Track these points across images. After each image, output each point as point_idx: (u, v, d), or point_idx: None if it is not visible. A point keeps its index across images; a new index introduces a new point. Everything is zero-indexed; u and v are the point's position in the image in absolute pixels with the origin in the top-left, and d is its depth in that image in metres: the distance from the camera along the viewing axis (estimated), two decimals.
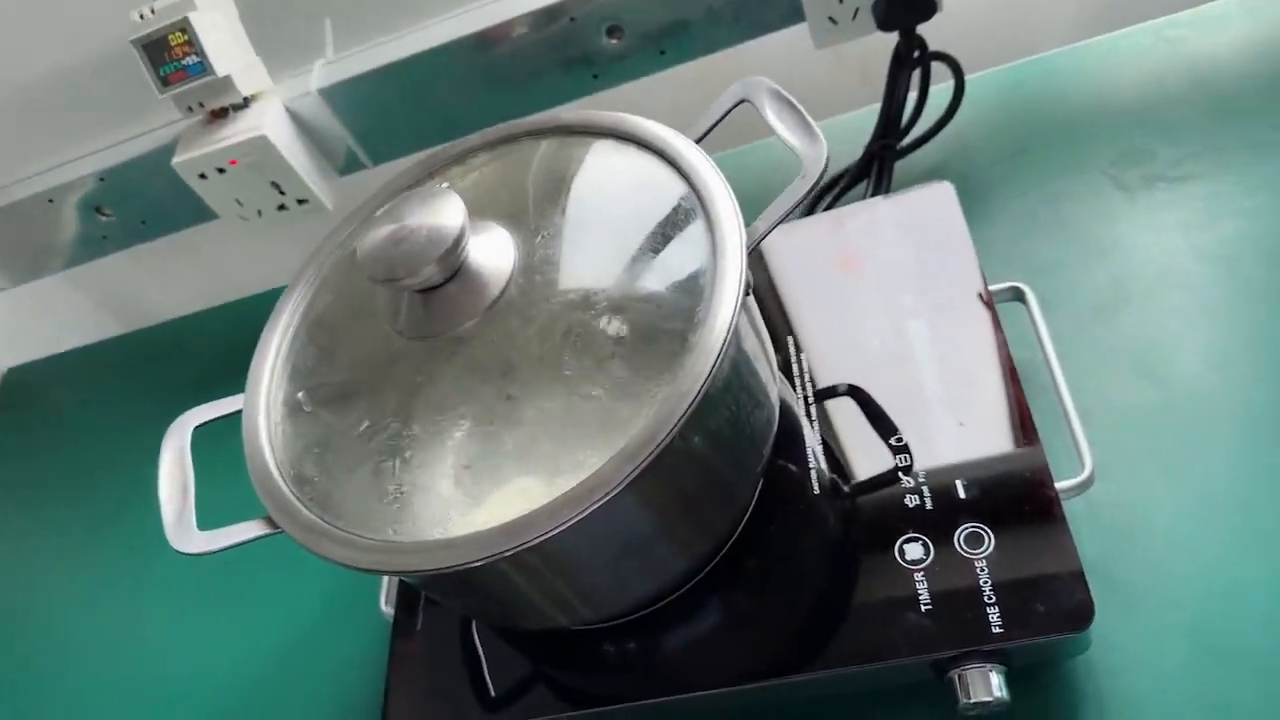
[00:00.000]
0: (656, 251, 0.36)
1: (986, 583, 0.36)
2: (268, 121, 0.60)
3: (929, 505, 0.39)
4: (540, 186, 0.40)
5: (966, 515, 0.38)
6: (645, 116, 0.40)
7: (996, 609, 0.36)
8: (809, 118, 0.37)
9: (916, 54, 0.55)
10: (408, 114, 0.64)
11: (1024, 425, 0.40)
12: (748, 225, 0.35)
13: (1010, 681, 0.36)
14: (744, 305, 0.34)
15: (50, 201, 0.70)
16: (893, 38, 0.55)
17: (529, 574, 0.35)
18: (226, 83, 0.59)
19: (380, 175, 0.50)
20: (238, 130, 0.60)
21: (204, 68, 0.57)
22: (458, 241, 0.35)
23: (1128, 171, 0.53)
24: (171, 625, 0.60)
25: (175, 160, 0.62)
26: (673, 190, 0.37)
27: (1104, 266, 0.50)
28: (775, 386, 0.41)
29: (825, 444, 0.43)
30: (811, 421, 0.44)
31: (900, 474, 0.40)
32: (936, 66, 0.56)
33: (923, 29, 0.55)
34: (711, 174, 0.37)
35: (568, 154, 0.41)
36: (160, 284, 0.91)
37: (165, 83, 0.58)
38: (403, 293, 0.37)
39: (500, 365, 0.35)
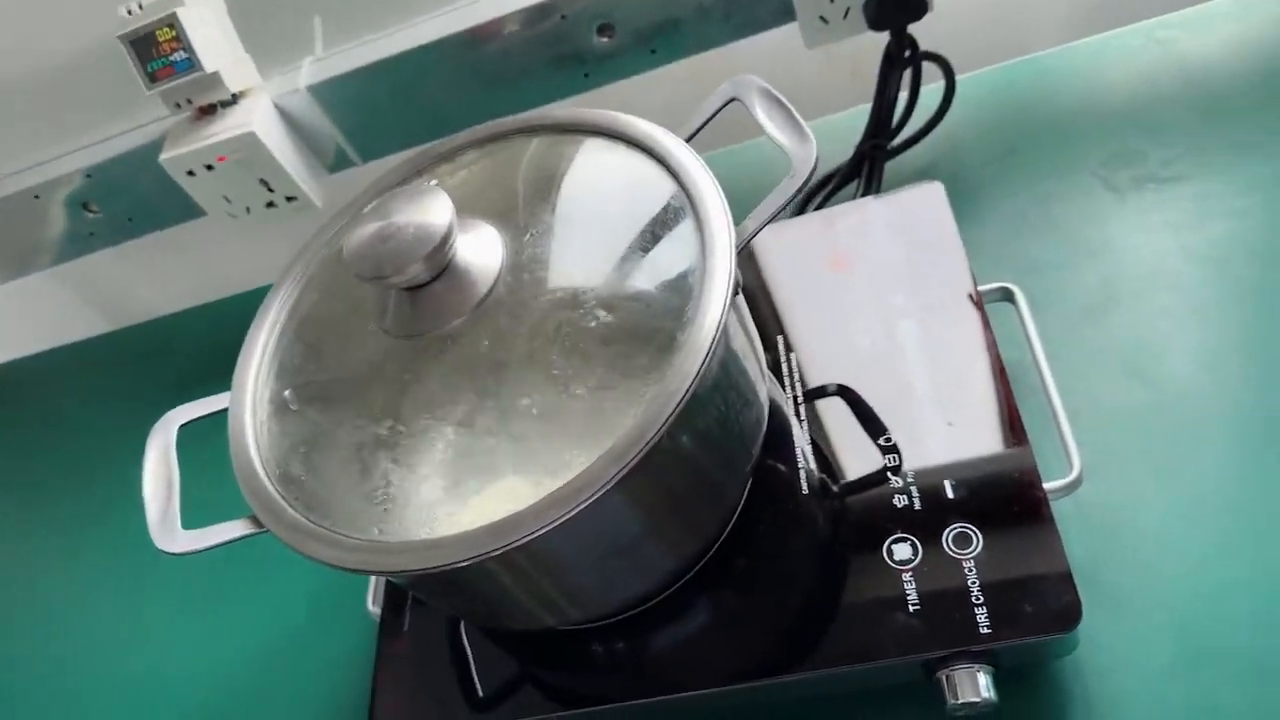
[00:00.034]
0: (646, 250, 0.36)
1: (974, 583, 0.36)
2: (256, 118, 0.60)
3: (917, 505, 0.39)
4: (530, 184, 0.40)
5: (955, 515, 0.38)
6: (638, 115, 0.40)
7: (984, 609, 0.36)
8: (799, 117, 0.37)
9: (907, 54, 0.55)
10: (397, 111, 0.64)
11: (1013, 426, 0.40)
12: (737, 224, 0.35)
13: (998, 682, 0.36)
14: (733, 304, 0.34)
15: (36, 198, 0.70)
16: (884, 37, 0.55)
17: (516, 574, 0.35)
18: (215, 79, 0.58)
19: (370, 173, 0.50)
20: (226, 127, 0.60)
21: (192, 64, 0.57)
22: (445, 239, 0.35)
23: (1118, 172, 0.53)
24: (157, 624, 0.60)
25: (163, 157, 0.61)
26: (662, 189, 0.37)
27: (1094, 267, 0.50)
28: (764, 386, 0.41)
29: (814, 443, 0.43)
30: (801, 421, 0.44)
31: (889, 474, 0.40)
32: (927, 67, 0.56)
33: (913, 29, 0.54)
34: (701, 173, 0.37)
35: (558, 152, 0.41)
36: (148, 281, 0.90)
37: (153, 79, 0.58)
38: (390, 291, 0.37)
39: (488, 364, 0.35)
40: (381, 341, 0.37)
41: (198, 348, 0.77)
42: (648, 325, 0.34)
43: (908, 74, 0.56)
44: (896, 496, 0.40)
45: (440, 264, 0.35)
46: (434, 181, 0.42)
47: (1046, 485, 0.38)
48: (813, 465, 0.42)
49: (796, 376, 0.45)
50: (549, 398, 0.33)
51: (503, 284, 0.36)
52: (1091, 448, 0.41)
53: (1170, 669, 0.37)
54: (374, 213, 0.36)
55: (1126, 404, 0.45)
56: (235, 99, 0.61)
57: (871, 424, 0.42)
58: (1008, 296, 0.46)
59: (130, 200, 0.70)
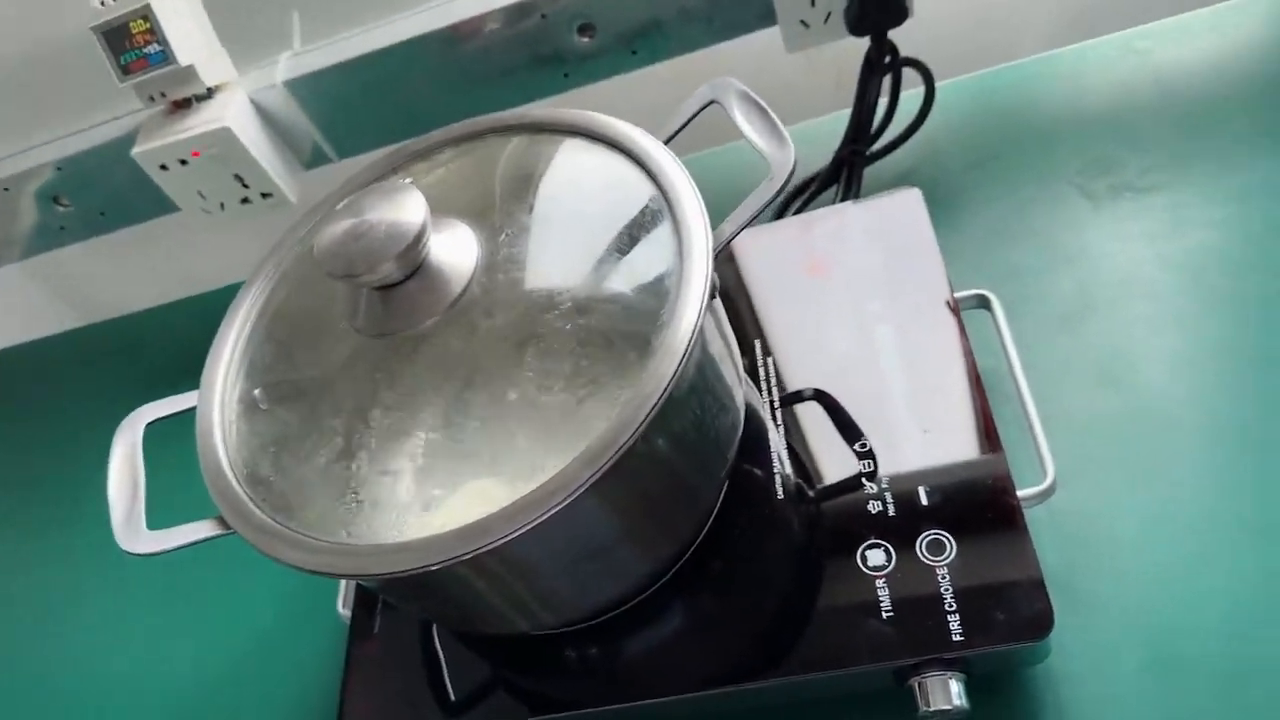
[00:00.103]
0: (622, 252, 0.35)
1: (948, 590, 0.36)
2: (231, 113, 0.59)
3: (892, 511, 0.39)
4: (507, 184, 0.39)
5: (929, 522, 0.38)
6: (623, 115, 0.39)
7: (957, 617, 0.36)
8: (777, 121, 0.37)
9: (887, 59, 0.55)
10: (375, 108, 0.63)
11: (987, 433, 0.40)
12: (715, 227, 0.35)
13: (970, 690, 0.36)
14: (710, 308, 0.34)
15: (6, 190, 0.69)
16: (866, 43, 0.55)
17: (488, 578, 0.35)
18: (189, 72, 0.58)
19: (347, 170, 0.49)
20: (200, 121, 0.59)
21: (166, 57, 0.56)
22: (418, 238, 0.34)
23: (1095, 181, 0.53)
24: (123, 626, 0.59)
25: (136, 150, 0.60)
26: (640, 191, 0.37)
27: (1070, 275, 0.50)
28: (741, 390, 0.41)
29: (790, 448, 0.43)
30: (777, 425, 0.44)
31: (864, 480, 0.40)
32: (907, 73, 0.56)
33: (894, 35, 0.54)
34: (679, 175, 0.36)
35: (536, 152, 0.40)
36: (118, 277, 0.89)
37: (126, 71, 0.57)
38: (362, 290, 0.36)
39: (461, 365, 0.34)
40: (353, 341, 0.37)
41: (167, 345, 0.76)
42: (623, 328, 0.33)
43: (888, 80, 0.56)
44: (871, 502, 0.39)
45: (413, 263, 0.35)
46: (409, 179, 0.42)
47: (1020, 493, 0.38)
48: (788, 470, 0.42)
49: (773, 381, 0.45)
50: (522, 400, 0.33)
51: (477, 284, 0.35)
52: (1065, 455, 0.41)
53: (1142, 676, 0.38)
54: (346, 210, 0.35)
55: (1101, 412, 0.45)
56: (210, 93, 0.60)
57: (847, 429, 0.42)
58: (984, 303, 0.46)
59: (102, 194, 0.69)
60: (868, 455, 0.41)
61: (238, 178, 0.62)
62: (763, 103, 0.38)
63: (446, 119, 0.44)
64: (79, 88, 0.64)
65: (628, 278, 0.35)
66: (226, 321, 0.41)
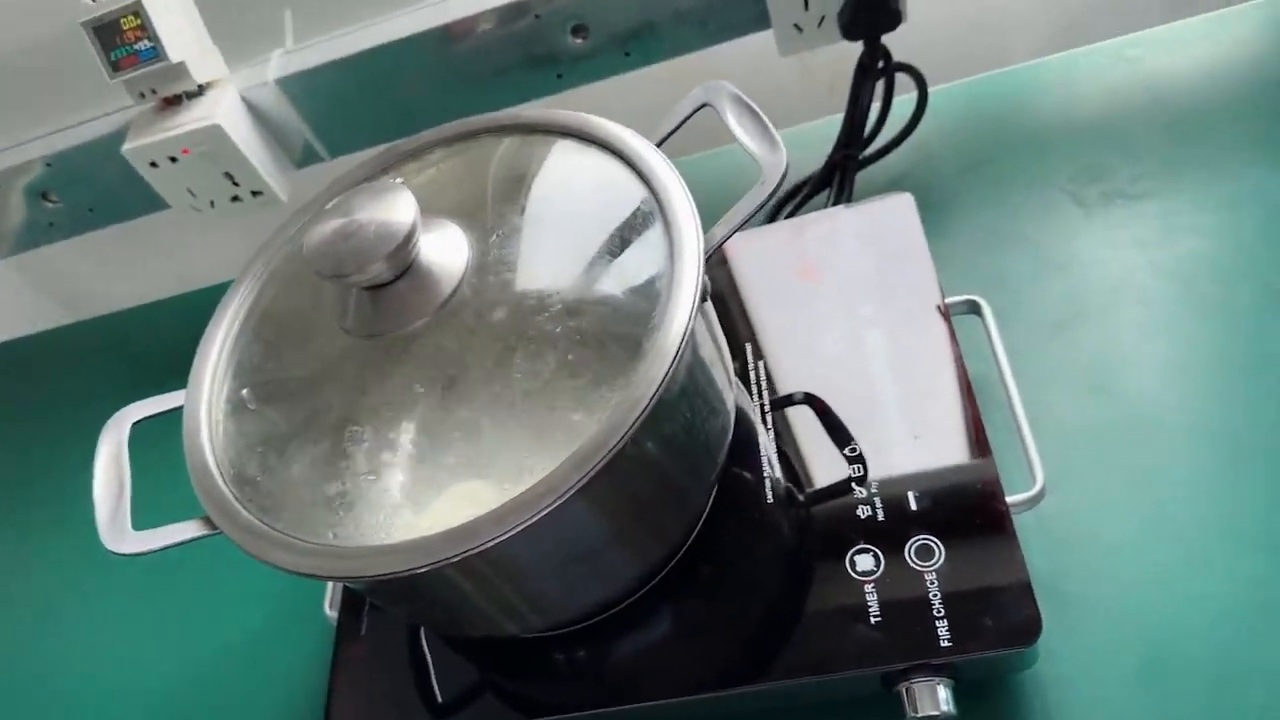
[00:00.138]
0: (614, 254, 0.35)
1: (936, 596, 0.36)
2: (222, 111, 0.59)
3: (881, 516, 0.39)
4: (498, 185, 0.39)
5: (918, 527, 0.38)
6: (615, 117, 0.39)
7: (945, 622, 0.36)
8: (769, 124, 0.37)
9: (881, 64, 0.55)
10: (367, 107, 0.63)
11: (977, 438, 0.40)
12: (707, 230, 0.35)
13: (958, 695, 0.35)
14: (701, 311, 0.34)
15: None
16: (860, 48, 0.55)
17: (475, 581, 0.35)
18: (180, 69, 0.57)
19: (338, 169, 0.49)
20: (191, 118, 0.59)
21: (157, 53, 0.56)
22: (408, 238, 0.34)
23: (1086, 187, 0.53)
24: (108, 626, 0.58)
25: (126, 147, 0.60)
26: (632, 193, 0.37)
27: (1061, 281, 0.50)
28: (731, 393, 0.41)
29: (781, 452, 0.43)
30: (767, 429, 0.44)
31: (854, 484, 0.40)
32: (900, 78, 0.56)
33: (887, 40, 0.55)
34: (671, 177, 0.36)
35: (528, 153, 0.40)
36: (107, 274, 0.89)
37: (116, 67, 0.57)
38: (351, 290, 0.36)
39: (450, 366, 0.34)
40: (342, 341, 0.36)
41: (155, 343, 0.75)
42: (614, 330, 0.33)
43: (881, 84, 0.56)
44: (860, 507, 0.39)
45: (403, 263, 0.35)
46: (399, 179, 0.42)
47: (1009, 498, 0.38)
48: (778, 474, 0.42)
49: (764, 384, 0.45)
50: (512, 402, 0.33)
51: (467, 285, 0.35)
52: (1055, 461, 0.41)
53: (1130, 682, 0.38)
54: (336, 209, 0.35)
55: (1091, 418, 0.45)
56: (201, 90, 0.59)
57: (838, 433, 0.42)
58: (975, 309, 0.46)
59: (91, 191, 0.68)
60: (858, 460, 0.41)
61: (228, 176, 0.62)
62: (755, 106, 0.38)
63: (439, 119, 0.43)
64: (69, 83, 0.63)
65: (619, 280, 0.35)
66: (215, 320, 0.40)
